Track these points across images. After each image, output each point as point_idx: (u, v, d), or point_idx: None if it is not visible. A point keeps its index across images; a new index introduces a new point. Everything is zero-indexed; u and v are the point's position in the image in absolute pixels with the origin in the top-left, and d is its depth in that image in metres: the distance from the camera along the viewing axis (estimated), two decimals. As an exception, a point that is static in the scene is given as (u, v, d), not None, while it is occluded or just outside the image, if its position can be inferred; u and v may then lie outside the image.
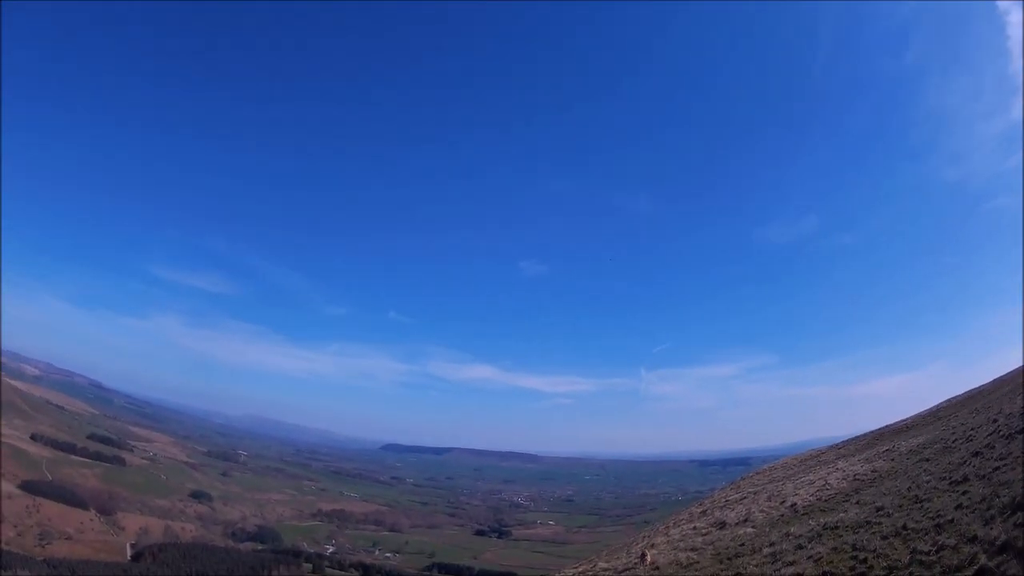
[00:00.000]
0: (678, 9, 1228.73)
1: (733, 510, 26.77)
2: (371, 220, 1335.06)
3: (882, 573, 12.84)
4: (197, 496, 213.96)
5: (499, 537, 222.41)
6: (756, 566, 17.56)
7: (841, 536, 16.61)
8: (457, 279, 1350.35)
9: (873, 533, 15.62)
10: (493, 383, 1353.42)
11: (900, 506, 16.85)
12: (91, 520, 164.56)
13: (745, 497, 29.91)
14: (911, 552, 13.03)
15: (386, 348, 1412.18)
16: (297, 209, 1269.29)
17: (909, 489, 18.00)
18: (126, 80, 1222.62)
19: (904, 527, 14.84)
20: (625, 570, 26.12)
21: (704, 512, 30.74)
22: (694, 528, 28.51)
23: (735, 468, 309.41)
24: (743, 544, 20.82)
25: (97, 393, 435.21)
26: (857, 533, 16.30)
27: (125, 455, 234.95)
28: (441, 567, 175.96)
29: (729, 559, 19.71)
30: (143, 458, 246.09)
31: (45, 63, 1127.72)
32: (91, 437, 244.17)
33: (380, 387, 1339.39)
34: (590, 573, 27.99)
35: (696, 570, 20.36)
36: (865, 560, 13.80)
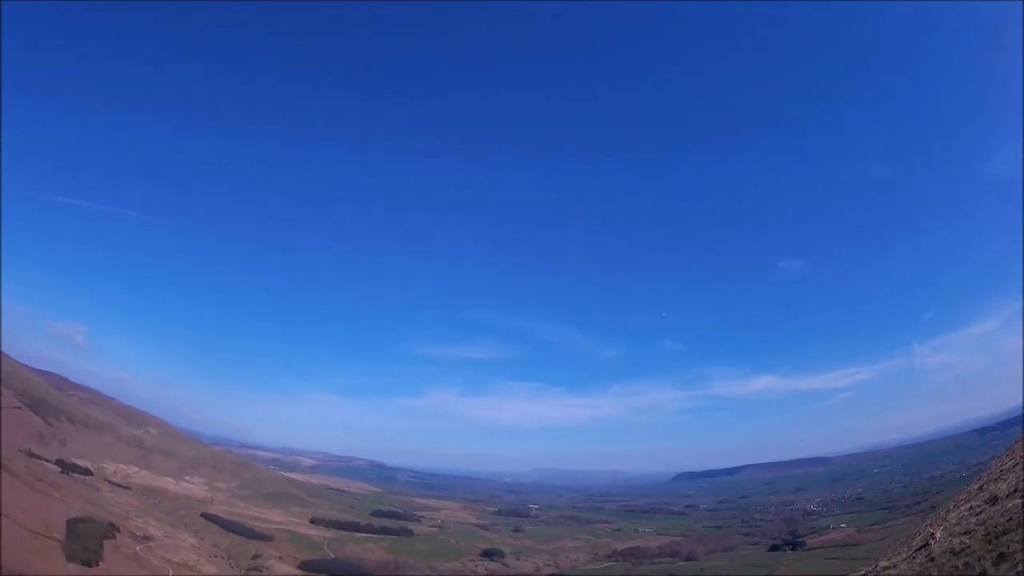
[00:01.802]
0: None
1: (1005, 480, 24.71)
2: (631, 254, 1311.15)
3: None
4: (488, 554, 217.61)
5: (792, 549, 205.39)
6: (1019, 542, 17.54)
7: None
8: (723, 294, 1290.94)
9: None
10: (775, 391, 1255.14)
11: None
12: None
13: (1017, 464, 27.10)
14: None
15: (666, 378, 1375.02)
16: (558, 261, 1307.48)
17: None
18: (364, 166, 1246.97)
19: None
20: (902, 564, 25.85)
21: (980, 488, 28.27)
22: (970, 508, 26.74)
23: (1013, 429, 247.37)
24: (1011, 519, 20.10)
25: (379, 473, 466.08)
26: None
27: (412, 526, 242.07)
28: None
29: (996, 538, 19.38)
30: (431, 526, 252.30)
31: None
32: (375, 514, 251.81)
33: (665, 418, 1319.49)
34: (872, 575, 27.86)
35: (967, 556, 20.18)
36: None
